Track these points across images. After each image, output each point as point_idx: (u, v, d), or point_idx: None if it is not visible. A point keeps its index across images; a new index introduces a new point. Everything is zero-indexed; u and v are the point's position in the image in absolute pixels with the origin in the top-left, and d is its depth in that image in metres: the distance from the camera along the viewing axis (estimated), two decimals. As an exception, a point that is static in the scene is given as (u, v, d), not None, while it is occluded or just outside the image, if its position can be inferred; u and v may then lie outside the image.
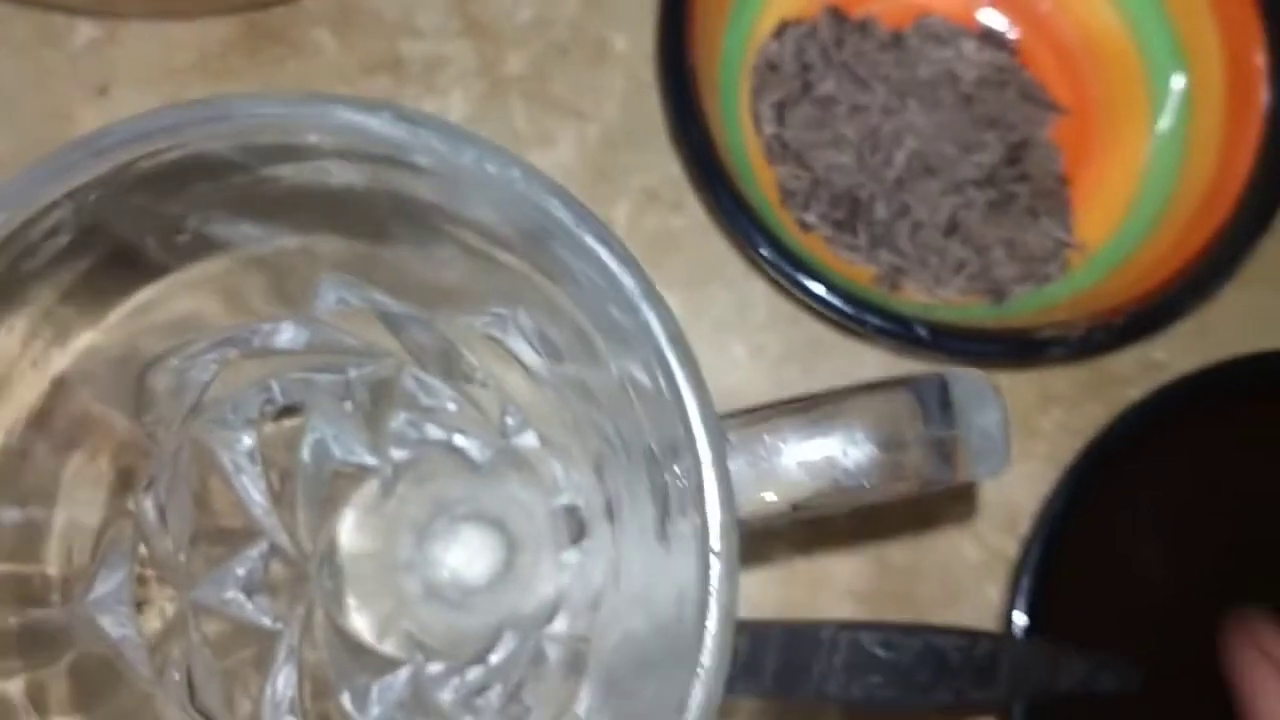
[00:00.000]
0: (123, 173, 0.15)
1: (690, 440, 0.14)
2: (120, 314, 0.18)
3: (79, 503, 0.20)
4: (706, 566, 0.14)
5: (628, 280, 0.15)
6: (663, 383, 0.15)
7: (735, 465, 0.16)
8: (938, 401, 0.17)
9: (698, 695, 0.13)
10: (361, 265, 0.20)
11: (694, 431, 0.14)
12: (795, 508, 0.16)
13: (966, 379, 0.17)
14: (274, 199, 0.17)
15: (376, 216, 0.18)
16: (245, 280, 0.19)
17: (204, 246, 0.18)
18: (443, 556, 0.29)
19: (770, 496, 0.16)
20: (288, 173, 0.16)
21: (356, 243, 0.19)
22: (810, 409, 0.16)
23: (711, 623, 0.14)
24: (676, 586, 0.16)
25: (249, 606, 0.23)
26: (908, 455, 0.16)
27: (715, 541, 0.14)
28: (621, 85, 0.35)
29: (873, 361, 0.34)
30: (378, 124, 0.14)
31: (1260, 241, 0.30)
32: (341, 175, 0.16)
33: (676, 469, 0.15)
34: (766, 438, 0.16)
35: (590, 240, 0.15)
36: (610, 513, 0.22)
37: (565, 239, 0.15)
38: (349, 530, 0.27)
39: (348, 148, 0.15)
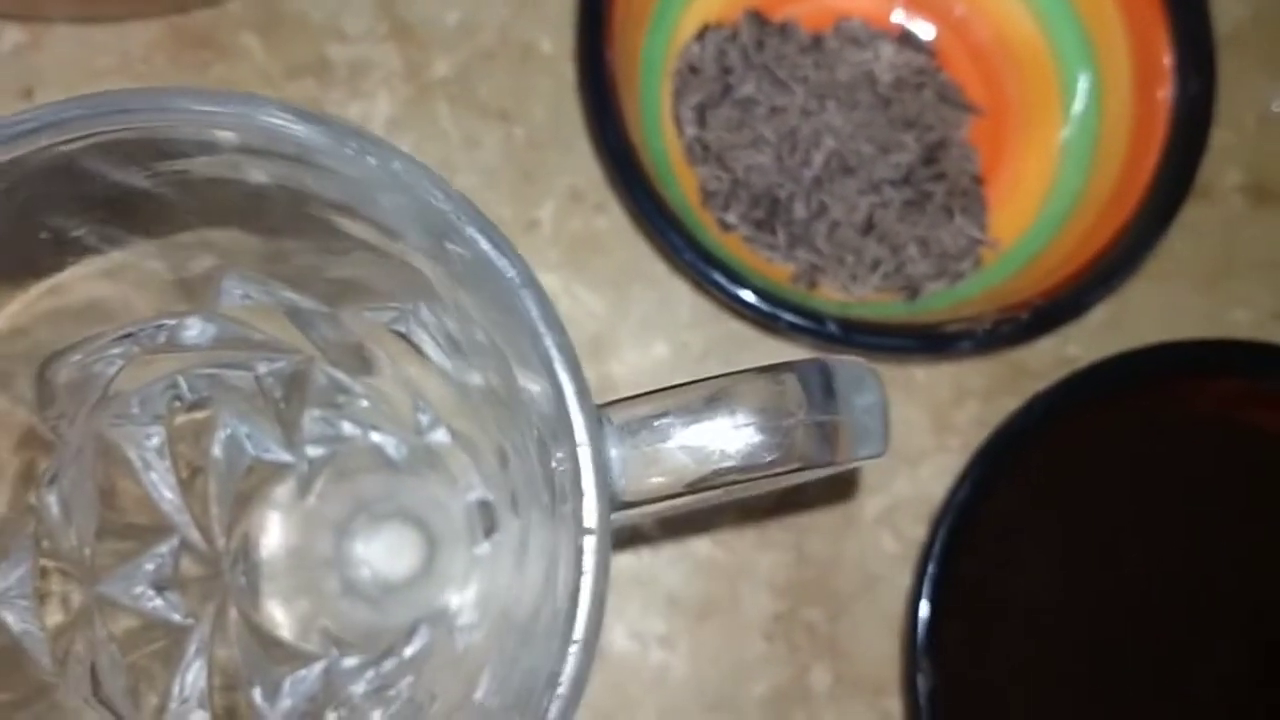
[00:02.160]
0: (24, 163, 0.15)
1: (566, 423, 0.15)
2: (19, 305, 0.18)
3: (-22, 495, 0.20)
4: (580, 545, 0.14)
5: (507, 269, 0.15)
6: (543, 369, 0.15)
7: (621, 450, 0.16)
8: (820, 387, 0.17)
9: (570, 668, 0.14)
10: (264, 261, 0.20)
11: (570, 414, 0.15)
12: (686, 490, 0.17)
13: (847, 365, 0.18)
14: (180, 193, 0.17)
15: (276, 211, 0.18)
16: (147, 274, 0.20)
17: (106, 239, 0.18)
18: (363, 554, 0.29)
19: (658, 479, 0.17)
20: (194, 167, 0.16)
21: (257, 238, 0.19)
22: (695, 393, 0.17)
23: (584, 598, 0.14)
24: (561, 570, 0.16)
25: (158, 602, 0.23)
26: (790, 438, 0.17)
27: (589, 520, 0.14)
28: (548, 87, 0.36)
29: (792, 357, 0.34)
30: (263, 116, 0.15)
31: (1163, 237, 0.30)
32: (245, 171, 0.16)
33: (559, 454, 0.16)
34: (654, 422, 0.17)
35: (471, 230, 0.15)
36: (515, 505, 0.22)
37: (449, 230, 0.15)
38: (266, 527, 0.27)
39: (250, 144, 0.15)
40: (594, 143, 0.34)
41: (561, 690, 0.14)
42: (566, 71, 0.36)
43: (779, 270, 0.33)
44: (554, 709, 0.14)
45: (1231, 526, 0.31)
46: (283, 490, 0.27)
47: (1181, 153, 0.30)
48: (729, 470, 0.17)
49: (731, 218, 0.33)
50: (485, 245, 0.15)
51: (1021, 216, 0.34)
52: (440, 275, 0.17)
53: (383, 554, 0.29)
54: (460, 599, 0.26)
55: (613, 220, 0.35)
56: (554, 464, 0.16)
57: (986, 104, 0.35)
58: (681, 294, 0.35)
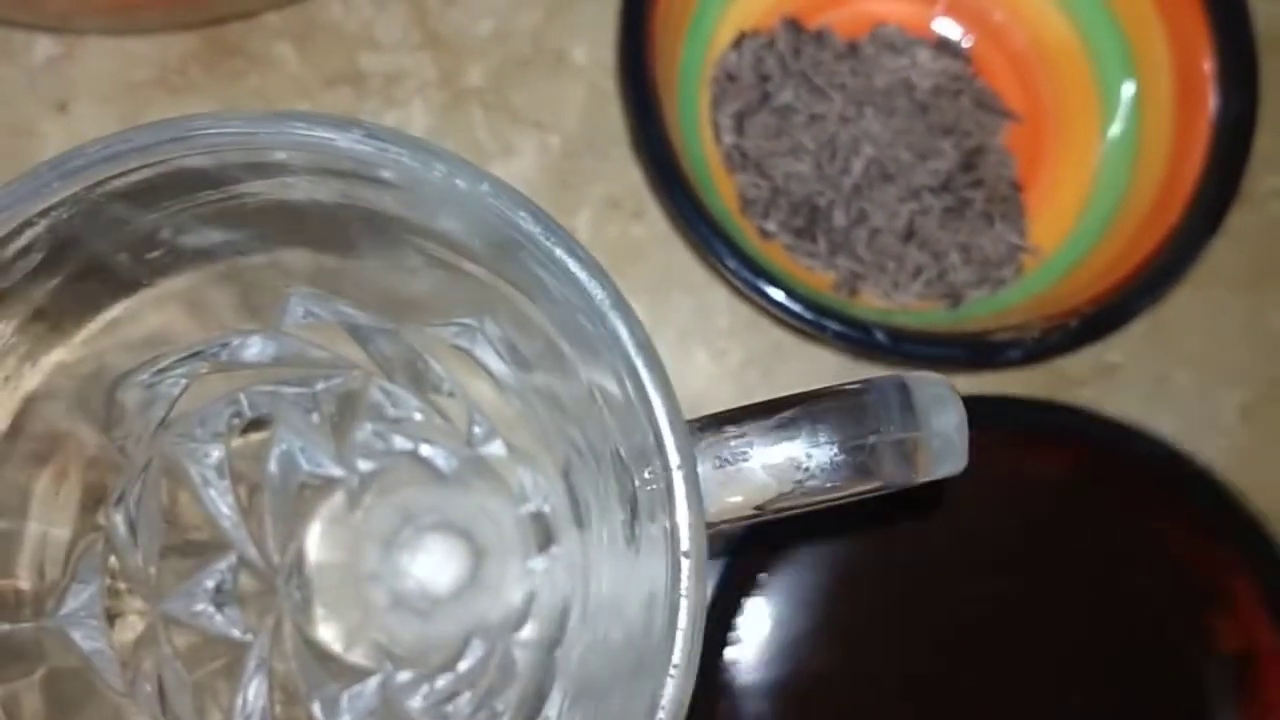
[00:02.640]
0: (93, 191, 0.15)
1: (660, 445, 0.15)
2: (91, 330, 0.18)
3: (50, 517, 0.20)
4: (677, 568, 0.14)
5: (596, 290, 0.15)
6: (631, 390, 0.15)
7: (702, 469, 0.16)
8: (898, 404, 0.17)
9: (671, 692, 0.14)
10: (329, 278, 0.20)
11: (663, 437, 0.15)
12: (759, 509, 0.17)
13: (926, 382, 0.17)
14: (243, 214, 0.17)
15: (344, 230, 0.18)
16: (213, 295, 0.20)
17: (174, 262, 0.18)
18: (409, 567, 0.29)
19: (736, 499, 0.16)
20: (257, 189, 0.16)
21: (324, 256, 0.19)
22: (775, 412, 0.17)
23: (683, 621, 0.14)
24: (646, 590, 0.16)
25: (218, 618, 0.23)
26: (870, 457, 0.17)
27: (685, 543, 0.14)
28: (581, 96, 0.36)
29: (832, 365, 0.34)
30: (347, 141, 0.15)
31: (1210, 243, 0.30)
32: (310, 191, 0.16)
33: (646, 474, 0.15)
34: (733, 442, 0.16)
35: (559, 252, 0.15)
36: (578, 519, 0.22)
37: (534, 251, 0.15)
38: (316, 542, 0.27)
39: (316, 164, 0.15)
40: (635, 148, 0.34)
41: (662, 716, 0.14)
42: (600, 80, 0.36)
43: (820, 278, 0.33)
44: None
45: (1011, 568, 0.32)
46: (332, 505, 0.27)
47: (1226, 159, 0.30)
48: (810, 490, 0.17)
49: (771, 225, 0.33)
50: (574, 266, 0.15)
51: (1062, 223, 0.34)
52: (516, 293, 0.17)
53: (428, 566, 0.29)
54: (515, 613, 0.26)
55: (650, 228, 0.35)
56: (639, 483, 0.16)
57: (1024, 110, 0.35)
58: (720, 302, 0.35)
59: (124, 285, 0.18)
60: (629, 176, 0.35)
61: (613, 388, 0.16)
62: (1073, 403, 0.32)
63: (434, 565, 0.29)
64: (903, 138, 0.34)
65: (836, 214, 0.33)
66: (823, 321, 0.29)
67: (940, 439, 0.17)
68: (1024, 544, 0.32)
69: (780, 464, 0.16)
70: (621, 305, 0.15)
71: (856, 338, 0.29)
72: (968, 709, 0.31)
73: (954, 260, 0.33)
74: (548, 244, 0.15)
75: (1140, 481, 0.31)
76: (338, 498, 0.27)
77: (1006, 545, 0.31)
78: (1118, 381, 0.35)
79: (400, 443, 0.26)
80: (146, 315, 0.19)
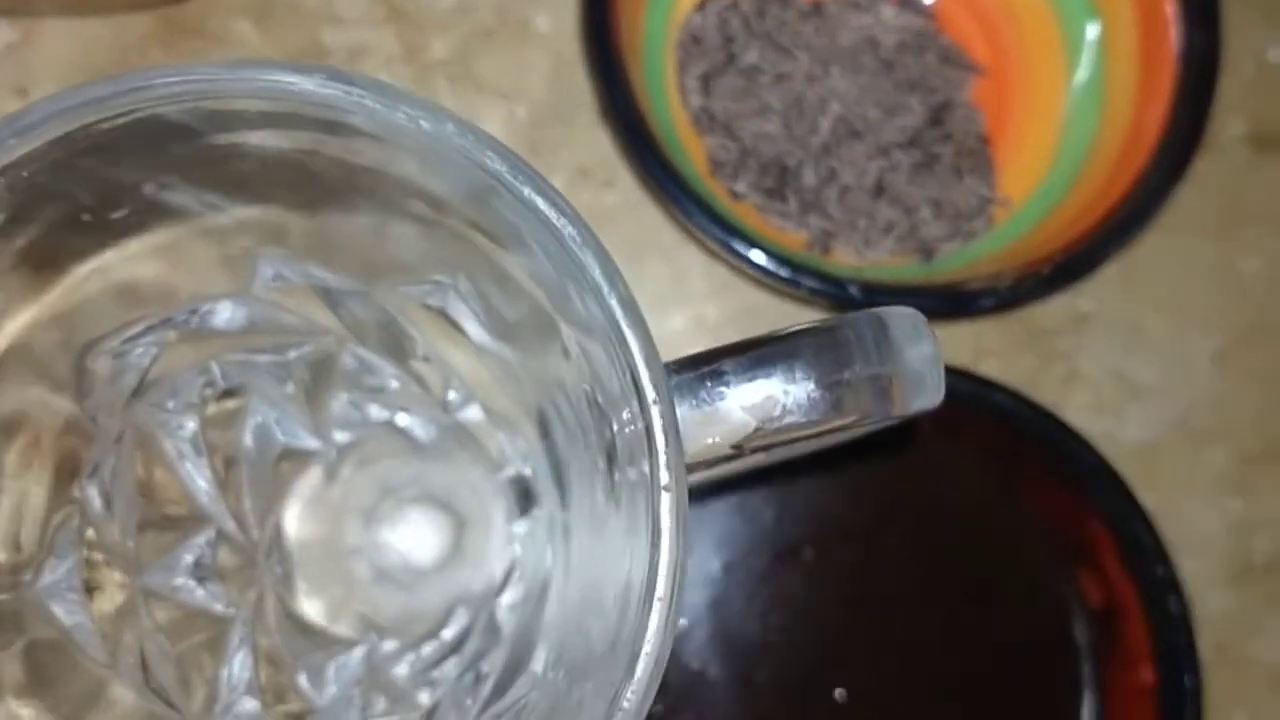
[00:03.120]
0: (53, 148, 0.15)
1: (636, 383, 0.15)
2: (57, 294, 0.18)
3: (24, 489, 0.20)
4: (657, 504, 0.14)
5: (566, 227, 0.15)
6: (607, 330, 0.15)
7: (680, 411, 0.16)
8: (874, 340, 0.17)
9: (655, 622, 0.14)
10: (298, 237, 0.20)
11: (639, 373, 0.15)
12: (737, 447, 0.16)
13: (901, 317, 0.17)
14: (207, 169, 0.17)
15: (312, 185, 0.18)
16: (180, 257, 0.19)
17: (139, 222, 0.18)
18: (391, 540, 0.29)
19: (715, 438, 0.16)
20: (220, 141, 0.16)
21: (292, 213, 0.19)
22: (750, 350, 0.17)
23: (664, 555, 0.14)
24: (626, 535, 0.16)
25: (199, 593, 0.23)
26: (846, 392, 0.17)
27: (664, 478, 0.14)
28: (547, 64, 0.35)
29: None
30: (310, 85, 0.14)
31: (1178, 186, 0.30)
32: (275, 141, 0.16)
33: (625, 415, 0.15)
34: (709, 381, 0.16)
35: (528, 190, 0.15)
36: (558, 479, 0.22)
37: (503, 194, 0.15)
38: (295, 517, 0.27)
39: (279, 112, 0.15)
40: (603, 115, 0.34)
41: (648, 648, 0.14)
42: (564, 48, 0.35)
43: (791, 238, 0.33)
44: (641, 665, 0.13)
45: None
46: (310, 479, 0.27)
47: (1192, 100, 0.31)
48: (788, 426, 0.17)
49: (741, 187, 0.33)
50: (543, 205, 0.15)
51: (1031, 174, 0.34)
52: (487, 242, 0.17)
53: (410, 539, 0.29)
54: (499, 579, 0.26)
55: (621, 194, 0.35)
56: (617, 428, 0.16)
57: (989, 64, 0.35)
58: (695, 265, 0.35)
59: (89, 247, 0.18)
60: (598, 143, 0.35)
61: (588, 332, 0.16)
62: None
63: (416, 538, 0.29)
64: (869, 95, 0.34)
65: (806, 173, 0.33)
66: (797, 278, 0.29)
67: (916, 372, 0.17)
68: (887, 505, 0.32)
69: (757, 402, 0.16)
70: (592, 242, 0.15)
71: (831, 293, 0.29)
72: (841, 673, 0.31)
73: (925, 215, 0.33)
74: (515, 182, 0.15)
75: (999, 437, 0.31)
76: (315, 471, 0.27)
77: (867, 508, 0.32)
78: (1092, 330, 0.35)
79: (376, 412, 0.26)
80: (112, 279, 0.19)
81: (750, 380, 0.16)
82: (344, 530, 0.28)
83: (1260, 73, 0.37)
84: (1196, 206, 0.36)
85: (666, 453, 0.14)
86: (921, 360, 0.17)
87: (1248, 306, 0.36)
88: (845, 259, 0.33)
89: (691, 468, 0.17)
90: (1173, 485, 0.35)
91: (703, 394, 0.16)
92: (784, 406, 0.16)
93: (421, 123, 0.15)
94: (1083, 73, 0.33)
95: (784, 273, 0.29)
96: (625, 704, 0.14)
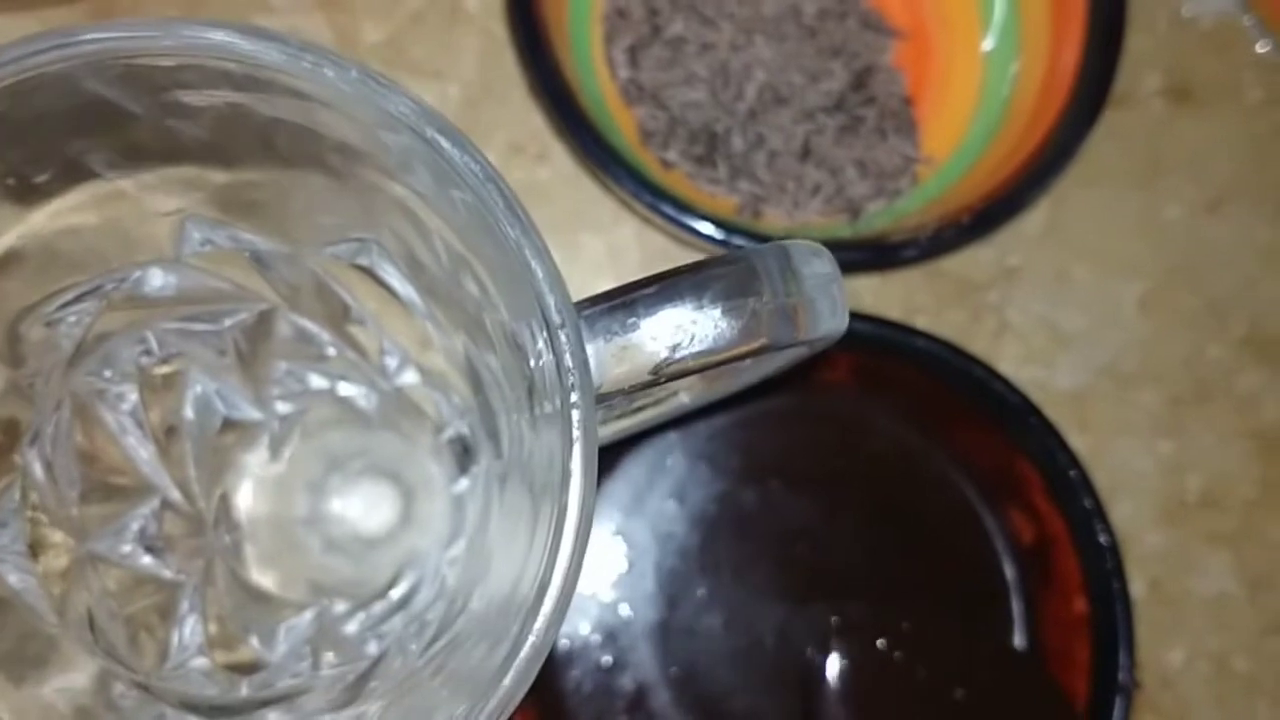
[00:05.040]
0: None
1: (543, 309, 0.15)
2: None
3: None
4: (569, 425, 0.15)
5: (470, 164, 0.15)
6: (516, 264, 0.16)
7: (595, 346, 0.17)
8: (779, 269, 0.18)
9: (570, 521, 0.14)
10: (227, 195, 0.20)
11: (544, 298, 0.15)
12: (654, 374, 0.17)
13: (804, 248, 0.18)
14: (127, 131, 0.17)
15: (232, 144, 0.18)
16: (107, 219, 0.20)
17: (63, 186, 0.18)
18: (340, 512, 0.29)
19: (630, 367, 0.17)
20: (142, 103, 0.17)
21: (221, 172, 0.19)
22: (660, 282, 0.17)
23: (575, 465, 0.15)
24: (547, 470, 0.17)
25: (147, 559, 0.24)
26: (754, 319, 0.17)
27: (574, 394, 0.15)
28: (477, 44, 0.36)
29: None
30: (230, 38, 0.15)
31: (1091, 133, 0.31)
32: (195, 101, 0.17)
33: (539, 346, 0.16)
34: (620, 313, 0.17)
35: (430, 130, 0.15)
36: (491, 428, 0.23)
37: (410, 135, 0.16)
38: (243, 490, 0.28)
39: (199, 67, 0.16)
40: (532, 91, 0.35)
41: (561, 556, 0.14)
42: (494, 28, 0.36)
43: (723, 203, 0.34)
44: (557, 572, 0.14)
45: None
46: (256, 453, 0.27)
47: (1101, 46, 0.32)
48: (698, 354, 0.17)
49: (672, 155, 0.34)
50: (447, 145, 0.15)
51: (952, 132, 0.35)
52: (402, 189, 0.18)
53: (358, 511, 0.29)
54: (444, 537, 0.26)
55: (554, 169, 0.36)
56: (533, 361, 0.17)
57: (908, 27, 0.36)
58: (629, 237, 0.35)
59: (15, 213, 0.18)
60: (530, 120, 0.36)
61: (500, 269, 0.17)
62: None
63: (364, 509, 0.29)
64: (793, 61, 0.35)
65: (734, 139, 0.34)
66: (729, 239, 0.30)
67: (818, 300, 0.18)
68: (821, 452, 0.33)
69: (668, 330, 0.17)
70: (495, 179, 0.15)
71: (760, 251, 0.30)
72: (776, 615, 0.32)
73: (851, 175, 0.34)
74: (419, 124, 0.15)
75: (926, 383, 0.31)
76: (261, 443, 0.27)
77: (803, 455, 0.32)
78: (1020, 282, 0.36)
79: (316, 381, 0.26)
80: (41, 244, 0.19)
81: (661, 310, 0.17)
82: (293, 503, 0.29)
83: (1174, 27, 0.38)
84: (1117, 159, 0.37)
85: (574, 373, 0.15)
86: (821, 280, 0.18)
87: (1170, 252, 0.37)
88: (777, 221, 0.34)
89: (613, 400, 0.18)
90: (1105, 429, 0.36)
91: (615, 326, 0.17)
92: (694, 334, 0.17)
93: (326, 70, 0.15)
94: (997, 27, 0.34)
95: (718, 235, 0.30)
96: (538, 620, 0.15)
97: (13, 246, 0.19)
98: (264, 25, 0.35)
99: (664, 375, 0.17)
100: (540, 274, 0.15)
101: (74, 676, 0.20)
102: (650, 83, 0.34)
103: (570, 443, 0.15)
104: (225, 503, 0.26)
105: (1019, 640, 0.31)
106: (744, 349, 0.17)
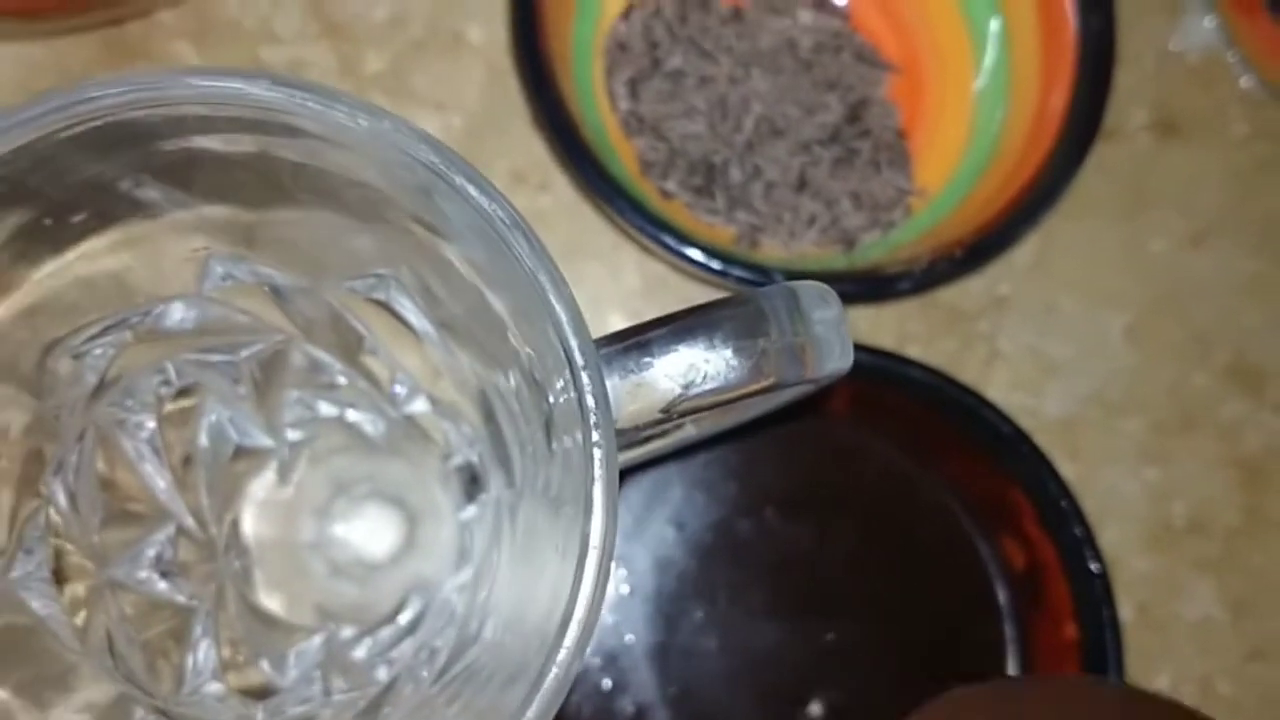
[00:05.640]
0: (10, 159, 0.16)
1: (566, 350, 0.16)
2: (20, 296, 0.19)
3: (-8, 481, 0.21)
4: (590, 462, 0.16)
5: (497, 212, 0.16)
6: (538, 306, 0.16)
7: (611, 382, 0.18)
8: (786, 310, 0.19)
9: (590, 566, 0.15)
10: (247, 236, 0.21)
11: (568, 340, 0.16)
12: (665, 412, 0.18)
13: (808, 287, 0.19)
14: (161, 174, 0.18)
15: (260, 185, 0.19)
16: (137, 258, 0.20)
17: (96, 225, 0.19)
18: (345, 537, 0.30)
19: (644, 404, 0.18)
20: (172, 147, 0.17)
21: (241, 213, 0.20)
22: (673, 323, 0.18)
23: (597, 502, 0.15)
24: (566, 503, 0.17)
25: (162, 585, 0.24)
26: (763, 358, 0.18)
27: (595, 434, 0.16)
28: (480, 74, 0.37)
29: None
30: (256, 90, 0.16)
31: (1081, 169, 0.32)
32: (223, 147, 0.17)
33: (559, 384, 0.17)
34: (636, 352, 0.18)
35: (459, 179, 0.16)
36: (503, 458, 0.23)
37: (437, 182, 0.16)
38: (252, 516, 0.28)
39: (226, 117, 0.16)
40: (536, 121, 0.35)
41: (584, 589, 0.15)
42: (496, 58, 0.37)
43: (721, 233, 0.35)
44: (580, 605, 0.15)
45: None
46: (265, 478, 0.28)
47: (1090, 86, 0.32)
48: (710, 391, 0.18)
49: (671, 185, 0.35)
50: (474, 192, 0.16)
51: (945, 164, 0.35)
52: (426, 233, 0.18)
53: (363, 536, 0.30)
54: (450, 565, 0.27)
55: (556, 198, 0.36)
56: (553, 400, 0.17)
57: (902, 61, 0.37)
58: (630, 264, 0.36)
59: (50, 251, 0.19)
60: (532, 150, 0.36)
61: (522, 311, 0.17)
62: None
63: (369, 535, 0.30)
64: (790, 94, 0.36)
65: (732, 170, 0.35)
66: (728, 269, 0.31)
67: (825, 337, 0.19)
68: (815, 481, 0.33)
69: (681, 369, 0.18)
70: (521, 225, 0.16)
71: (759, 282, 0.31)
72: (772, 638, 0.32)
73: (846, 207, 0.35)
74: (448, 172, 0.16)
75: (919, 412, 0.32)
76: (270, 470, 0.28)
77: (799, 484, 0.33)
78: (1010, 312, 0.37)
79: (326, 409, 0.27)
80: (73, 281, 0.20)
81: (674, 350, 0.18)
82: (299, 528, 0.29)
83: (1161, 62, 0.39)
84: (1104, 192, 0.38)
85: (596, 413, 0.16)
86: (829, 323, 0.19)
87: (1156, 283, 0.38)
88: (773, 251, 0.35)
89: (626, 434, 0.18)
90: (1092, 456, 0.37)
91: (630, 364, 0.18)
92: (705, 373, 0.18)
93: (360, 120, 0.16)
94: (989, 66, 0.35)
95: (715, 265, 0.31)
96: (561, 653, 0.15)
97: (48, 284, 0.19)
98: (271, 58, 0.36)
99: (676, 412, 0.18)
100: (564, 317, 0.16)
101: (96, 702, 0.21)
102: (650, 115, 0.35)
103: (592, 480, 0.15)
104: (235, 528, 0.27)
105: (1011, 665, 0.32)
106: (753, 387, 0.18)
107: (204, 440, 0.25)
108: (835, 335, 0.18)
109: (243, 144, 0.17)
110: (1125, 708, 0.25)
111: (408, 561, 0.30)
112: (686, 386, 0.18)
